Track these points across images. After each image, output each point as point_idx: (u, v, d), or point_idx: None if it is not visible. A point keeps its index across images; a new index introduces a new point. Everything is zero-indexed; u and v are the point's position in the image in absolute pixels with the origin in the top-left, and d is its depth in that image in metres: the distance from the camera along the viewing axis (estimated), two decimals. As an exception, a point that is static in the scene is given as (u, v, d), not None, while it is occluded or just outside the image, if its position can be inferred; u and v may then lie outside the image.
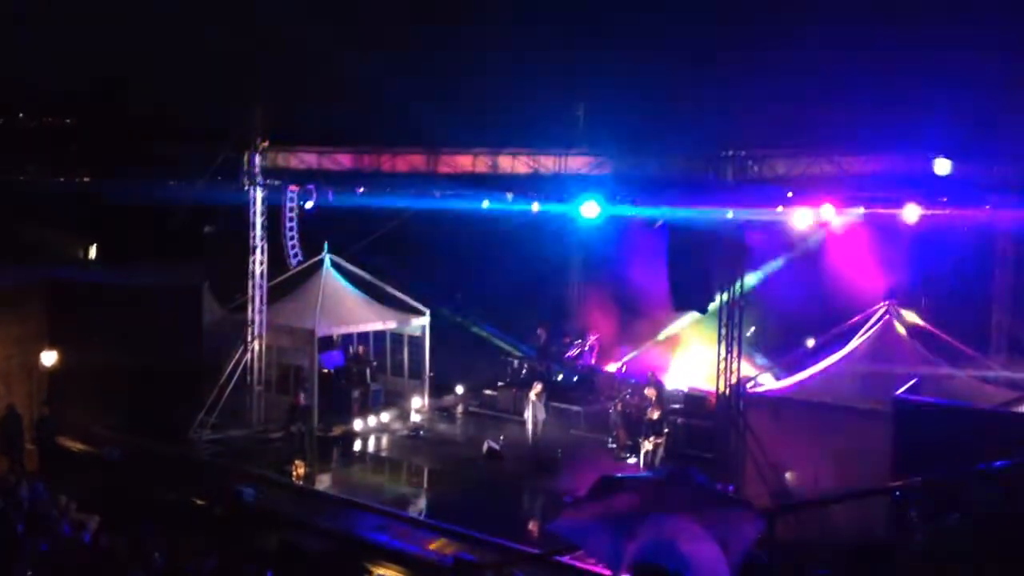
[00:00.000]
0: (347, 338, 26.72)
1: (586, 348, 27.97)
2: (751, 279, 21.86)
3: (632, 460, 22.00)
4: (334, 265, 26.16)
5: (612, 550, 6.20)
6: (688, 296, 19.48)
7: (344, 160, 23.89)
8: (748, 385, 20.00)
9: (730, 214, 19.36)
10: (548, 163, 21.29)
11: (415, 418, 25.64)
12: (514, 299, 29.27)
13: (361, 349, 26.74)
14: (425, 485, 22.00)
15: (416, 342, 26.81)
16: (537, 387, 23.11)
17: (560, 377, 26.89)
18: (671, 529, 6.15)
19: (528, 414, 22.84)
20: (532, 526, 18.96)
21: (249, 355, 24.22)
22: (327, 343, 26.01)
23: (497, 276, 28.39)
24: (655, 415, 21.24)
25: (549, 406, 23.62)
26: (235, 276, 25.27)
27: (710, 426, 20.77)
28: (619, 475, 6.60)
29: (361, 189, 24.45)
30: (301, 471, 21.45)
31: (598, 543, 6.46)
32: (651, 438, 20.99)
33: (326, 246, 26.12)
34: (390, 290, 26.58)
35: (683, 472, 6.89)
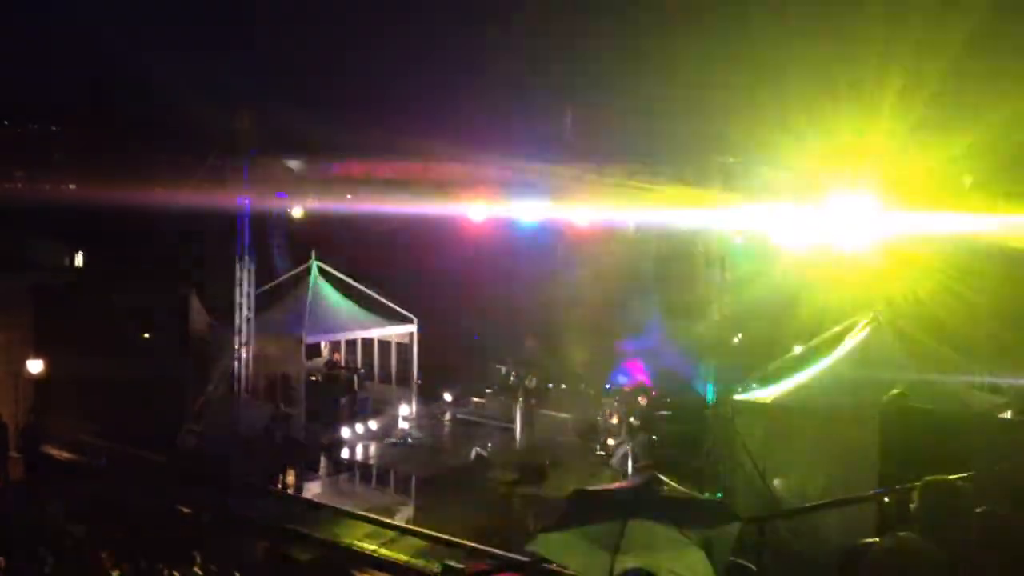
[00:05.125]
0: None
1: (574, 355, 27.98)
2: (734, 285, 21.87)
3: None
4: (322, 272, 26.13)
5: (598, 564, 6.18)
6: (677, 303, 19.49)
7: (333, 168, 23.85)
8: (736, 391, 20.00)
9: (716, 220, 19.39)
10: (536, 171, 21.28)
11: (403, 426, 25.60)
12: (503, 306, 29.25)
13: (336, 356, 26.69)
14: (413, 493, 21.97)
15: (404, 349, 26.80)
16: (532, 381, 23.29)
17: (549, 384, 26.90)
18: (653, 538, 6.14)
19: (519, 413, 22.92)
20: (520, 532, 18.93)
21: (236, 363, 24.14)
22: (314, 351, 25.96)
23: (486, 284, 28.39)
24: (636, 422, 21.57)
25: (538, 413, 23.72)
26: (222, 284, 25.20)
27: (698, 432, 20.77)
28: (594, 488, 6.58)
29: (349, 196, 24.42)
30: (288, 479, 21.43)
31: (582, 559, 6.44)
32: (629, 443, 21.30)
33: (314, 254, 26.09)
34: (378, 297, 26.56)
35: (655, 479, 6.87)
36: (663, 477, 6.20)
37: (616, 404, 23.94)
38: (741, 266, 20.67)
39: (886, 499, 13.40)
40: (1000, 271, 20.55)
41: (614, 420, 22.84)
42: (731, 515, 6.23)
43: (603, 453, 23.09)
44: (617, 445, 22.19)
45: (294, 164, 24.24)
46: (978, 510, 6.65)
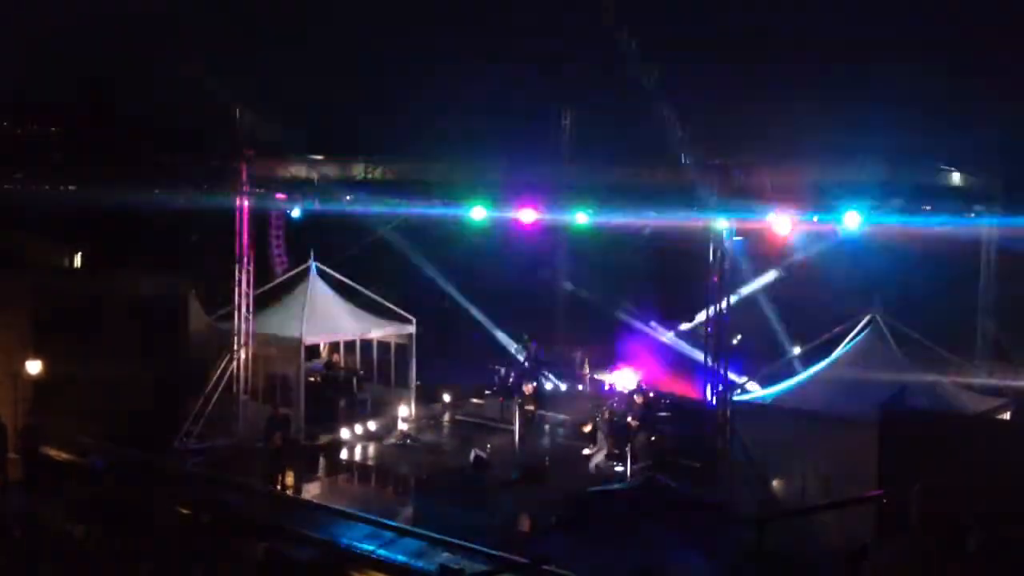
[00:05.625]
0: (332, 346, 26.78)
1: (574, 357, 28.04)
2: (737, 287, 21.93)
3: (619, 468, 22.03)
4: (320, 273, 26.13)
5: (600, 565, 6.20)
6: (676, 305, 19.53)
7: (331, 169, 23.89)
8: (735, 393, 20.05)
9: (716, 223, 19.43)
10: (535, 171, 21.35)
11: (402, 427, 25.60)
12: (502, 308, 29.33)
13: (335, 357, 26.69)
14: (412, 494, 21.96)
15: (403, 350, 26.79)
16: (528, 387, 23.38)
17: (549, 386, 26.95)
18: (658, 541, 6.17)
19: (516, 418, 22.95)
20: (519, 533, 18.93)
21: (235, 364, 24.16)
22: (313, 352, 25.96)
23: (486, 284, 28.46)
24: (634, 423, 21.64)
25: (539, 415, 23.77)
26: (221, 285, 25.24)
27: (698, 434, 20.79)
28: (597, 489, 6.61)
29: (348, 197, 24.44)
30: (287, 480, 21.45)
31: (584, 560, 6.46)
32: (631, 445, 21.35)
33: (312, 254, 26.10)
34: (377, 298, 26.56)
35: (657, 480, 6.89)
36: (664, 478, 6.23)
37: (615, 404, 23.91)
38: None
39: (885, 501, 13.45)
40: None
41: (586, 429, 22.82)
42: (732, 517, 6.26)
43: (602, 454, 23.11)
44: (592, 454, 22.11)
45: (293, 165, 24.25)
46: (976, 512, 6.70)
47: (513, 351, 28.72)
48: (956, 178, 22.99)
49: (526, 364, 27.95)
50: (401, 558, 17.47)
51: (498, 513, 19.78)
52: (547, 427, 24.37)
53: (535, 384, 24.03)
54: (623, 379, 26.67)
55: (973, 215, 23.30)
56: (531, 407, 23.56)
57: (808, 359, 20.82)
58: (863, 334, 19.97)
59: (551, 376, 27.41)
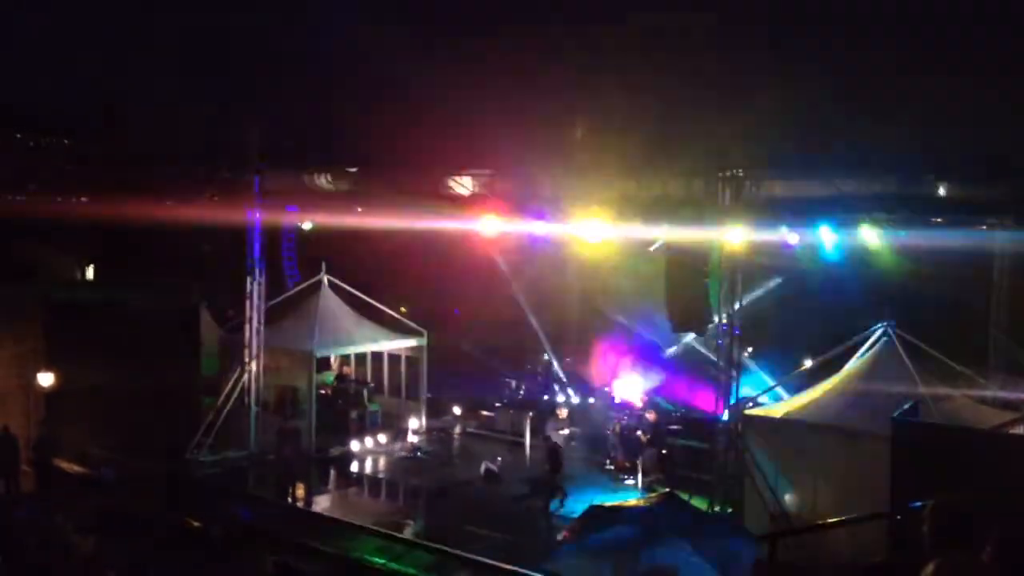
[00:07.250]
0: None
1: (586, 370, 28.00)
2: (749, 300, 21.86)
3: (630, 482, 21.99)
4: (332, 286, 26.17)
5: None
6: (686, 318, 19.47)
7: (343, 181, 23.93)
8: (747, 407, 19.97)
9: (728, 235, 19.39)
10: (546, 184, 21.34)
11: (412, 439, 25.59)
12: (515, 321, 29.28)
13: (346, 369, 26.72)
14: (422, 506, 21.93)
15: (414, 363, 26.80)
16: (562, 412, 23.44)
17: (560, 398, 26.92)
18: (671, 558, 6.14)
19: (556, 437, 22.93)
20: (530, 547, 18.89)
21: (246, 376, 24.19)
22: (324, 364, 25.99)
23: (497, 298, 28.41)
24: (645, 437, 21.63)
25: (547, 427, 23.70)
26: (233, 296, 25.29)
27: (709, 448, 20.74)
28: (610, 505, 6.57)
29: (359, 209, 24.47)
30: (298, 493, 21.47)
31: None
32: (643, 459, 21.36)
33: (324, 267, 26.14)
34: (388, 310, 26.59)
35: (672, 497, 6.85)
36: (678, 493, 6.19)
37: (627, 418, 23.79)
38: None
39: (898, 517, 13.34)
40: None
41: (561, 414, 22.69)
42: (745, 533, 6.22)
43: (612, 468, 23.04)
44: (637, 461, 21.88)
45: (304, 177, 24.30)
46: (991, 530, 6.62)
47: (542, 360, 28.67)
48: (966, 189, 22.88)
49: (539, 377, 27.92)
50: (411, 571, 17.45)
51: (509, 527, 19.76)
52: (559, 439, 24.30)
53: (567, 409, 24.11)
54: (633, 391, 26.63)
55: (985, 227, 23.20)
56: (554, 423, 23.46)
57: (820, 372, 20.71)
58: (875, 347, 19.88)
59: (563, 390, 27.36)
